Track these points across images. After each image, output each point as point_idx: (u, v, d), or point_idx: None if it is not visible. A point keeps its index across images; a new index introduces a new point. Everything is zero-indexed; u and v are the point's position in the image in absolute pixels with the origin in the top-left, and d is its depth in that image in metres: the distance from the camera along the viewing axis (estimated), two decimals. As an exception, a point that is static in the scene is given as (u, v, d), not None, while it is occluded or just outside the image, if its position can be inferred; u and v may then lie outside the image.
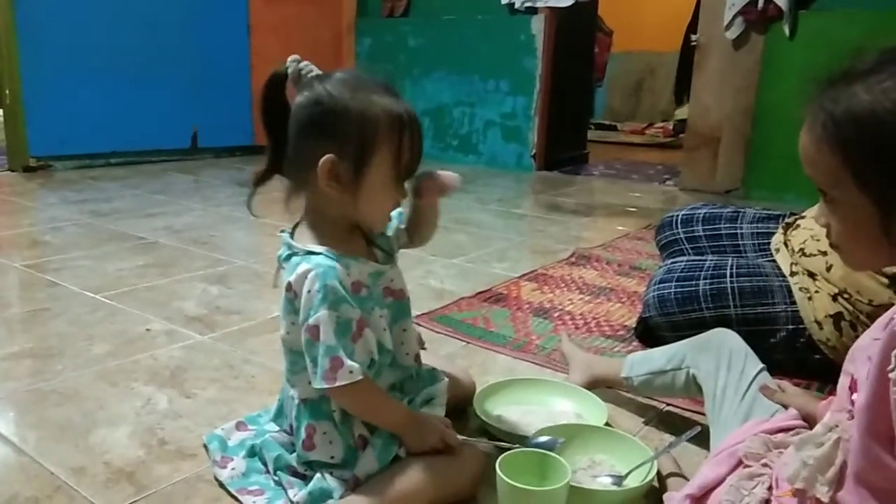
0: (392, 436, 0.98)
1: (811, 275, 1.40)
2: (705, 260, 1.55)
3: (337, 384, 0.90)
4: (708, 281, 1.48)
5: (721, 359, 1.11)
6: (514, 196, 3.77)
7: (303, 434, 0.99)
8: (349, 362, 0.90)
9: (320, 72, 0.95)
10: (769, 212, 1.73)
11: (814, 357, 1.40)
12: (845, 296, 1.34)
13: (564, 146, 4.81)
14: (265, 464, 1.03)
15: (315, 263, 0.92)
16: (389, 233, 1.08)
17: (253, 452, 1.06)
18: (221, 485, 1.01)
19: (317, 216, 0.99)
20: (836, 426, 0.70)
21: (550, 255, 2.43)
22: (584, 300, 1.94)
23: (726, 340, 1.12)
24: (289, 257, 0.97)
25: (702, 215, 1.76)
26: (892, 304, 0.75)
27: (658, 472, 1.02)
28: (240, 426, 1.14)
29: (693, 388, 1.15)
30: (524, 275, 2.17)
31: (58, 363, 1.43)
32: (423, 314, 1.77)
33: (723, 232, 1.71)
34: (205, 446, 1.10)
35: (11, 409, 1.26)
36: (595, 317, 1.81)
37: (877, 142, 0.64)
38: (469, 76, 4.67)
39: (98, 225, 2.66)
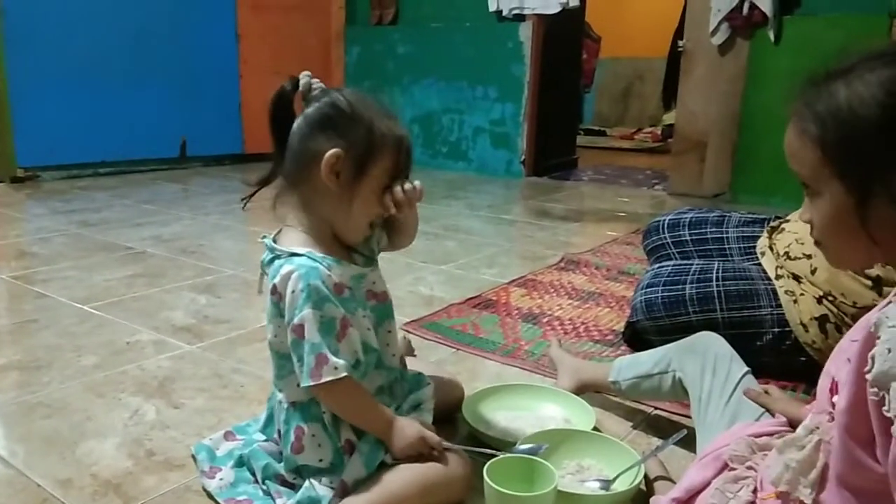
0: (379, 441, 0.98)
1: (796, 278, 1.42)
2: (692, 264, 1.57)
3: (322, 380, 0.91)
4: (694, 285, 1.49)
5: (706, 362, 1.12)
6: (503, 202, 3.78)
7: (292, 437, 0.99)
8: (333, 359, 0.92)
9: (325, 88, 1.00)
10: (755, 216, 1.75)
11: (800, 359, 1.41)
12: (830, 298, 1.36)
13: (553, 152, 4.83)
14: (253, 473, 1.03)
15: (298, 264, 0.94)
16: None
17: (241, 462, 1.05)
18: (210, 495, 1.01)
19: (304, 216, 1.00)
20: (817, 428, 0.71)
21: (539, 261, 2.44)
22: (573, 305, 1.95)
23: (711, 344, 1.13)
24: (272, 261, 0.98)
25: (688, 220, 1.77)
26: (876, 306, 0.76)
27: (645, 476, 1.03)
28: (228, 436, 1.14)
29: (680, 392, 1.16)
30: (513, 281, 2.17)
31: (45, 375, 1.42)
32: (412, 321, 1.77)
33: (709, 236, 1.72)
34: (193, 457, 1.09)
35: (-2, 421, 1.26)
36: (584, 322, 1.81)
37: (853, 133, 0.65)
38: (458, 83, 4.69)
39: (86, 235, 2.65)
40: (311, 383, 0.92)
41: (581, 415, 1.23)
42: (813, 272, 1.38)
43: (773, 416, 0.96)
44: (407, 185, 1.00)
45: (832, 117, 0.66)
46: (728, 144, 3.72)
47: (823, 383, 0.75)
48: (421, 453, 0.98)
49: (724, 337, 1.17)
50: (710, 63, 3.69)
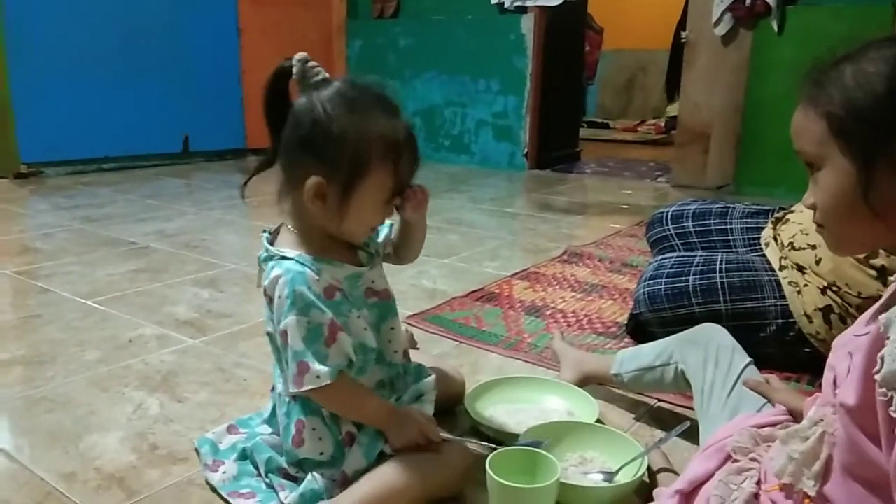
0: (378, 432, 0.98)
1: (800, 269, 1.41)
2: (695, 256, 1.56)
3: (304, 388, 0.92)
4: (698, 277, 1.48)
5: (708, 354, 1.11)
6: (506, 195, 3.77)
7: (292, 430, 0.99)
8: (316, 367, 0.91)
9: (326, 74, 0.95)
10: (759, 207, 1.74)
11: (804, 350, 1.40)
12: (834, 289, 1.35)
13: (556, 145, 4.81)
14: (256, 467, 1.03)
15: (286, 269, 0.93)
16: (379, 239, 1.10)
17: (244, 456, 1.06)
18: (213, 488, 1.01)
19: (298, 219, 0.99)
20: (821, 420, 0.71)
21: (542, 254, 2.43)
22: (576, 298, 1.94)
23: (714, 335, 1.13)
24: (266, 260, 0.98)
25: (692, 211, 1.77)
26: (881, 296, 0.75)
27: (648, 468, 1.02)
28: (231, 429, 1.14)
29: (682, 384, 1.16)
30: (516, 273, 2.17)
31: (49, 370, 1.43)
32: (415, 314, 1.77)
33: (712, 228, 1.71)
34: (196, 450, 1.10)
35: (2, 416, 1.26)
36: (587, 314, 1.81)
37: (858, 104, 0.66)
38: (460, 76, 4.67)
39: (89, 230, 2.65)
40: (294, 390, 0.92)
41: (584, 407, 1.22)
42: (818, 262, 1.37)
43: (773, 405, 0.96)
44: (410, 194, 0.98)
45: (838, 91, 0.67)
46: (731, 136, 3.71)
47: (828, 376, 0.74)
48: (419, 445, 0.98)
49: (728, 328, 1.17)
50: (714, 54, 3.67)
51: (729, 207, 1.75)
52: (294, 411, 1.00)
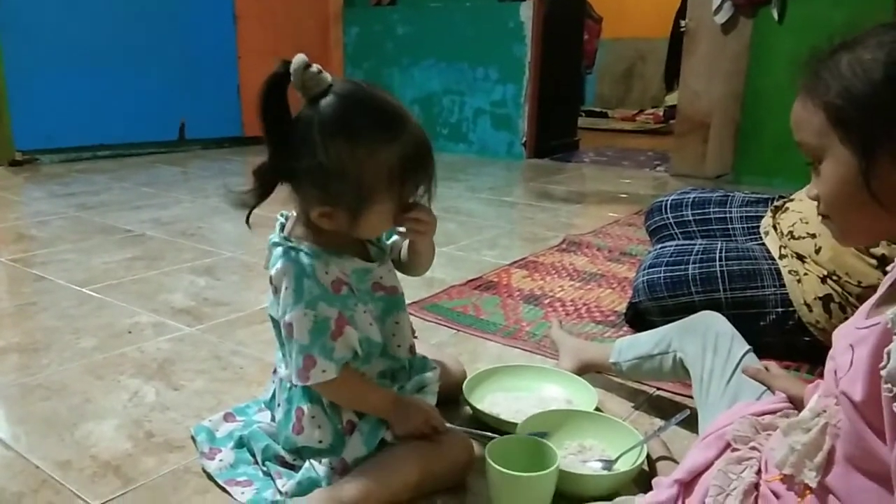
0: (379, 420, 0.98)
1: (800, 257, 1.40)
2: (694, 244, 1.55)
3: (310, 383, 0.91)
4: (697, 265, 1.48)
5: (707, 342, 1.11)
6: (504, 184, 3.76)
7: (293, 417, 0.99)
8: (322, 361, 0.90)
9: (327, 78, 0.88)
10: (758, 195, 1.73)
11: (803, 339, 1.40)
12: (834, 278, 1.34)
13: (555, 134, 4.79)
14: (253, 454, 1.03)
15: (293, 260, 0.92)
16: (388, 242, 1.09)
17: (241, 443, 1.05)
18: (209, 476, 1.01)
19: (308, 217, 0.95)
20: (824, 411, 0.70)
21: (541, 243, 2.42)
22: (575, 286, 1.94)
23: (712, 323, 1.12)
24: (276, 245, 0.96)
25: (691, 200, 1.76)
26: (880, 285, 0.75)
27: (648, 456, 1.02)
28: (228, 417, 1.13)
29: (681, 372, 1.15)
30: (514, 262, 2.16)
31: (44, 357, 1.42)
32: (413, 303, 1.76)
33: (712, 216, 1.70)
34: (192, 438, 1.09)
35: (-3, 404, 1.25)
36: (585, 303, 1.80)
37: (856, 92, 0.65)
38: (458, 64, 4.65)
39: (85, 218, 2.64)
40: (299, 384, 0.92)
41: (583, 395, 1.22)
42: (817, 251, 1.36)
43: (773, 393, 0.95)
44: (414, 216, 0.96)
45: (836, 80, 0.66)
46: (731, 125, 3.69)
47: (829, 366, 0.74)
48: (424, 434, 0.97)
49: (727, 317, 1.16)
50: (713, 43, 3.65)
51: (728, 196, 1.74)
52: (295, 398, 0.99)
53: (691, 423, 1.07)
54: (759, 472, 0.79)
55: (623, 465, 1.00)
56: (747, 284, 1.43)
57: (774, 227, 1.51)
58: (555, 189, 3.56)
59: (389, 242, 1.09)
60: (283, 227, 0.99)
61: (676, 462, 0.99)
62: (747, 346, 1.07)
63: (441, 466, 0.96)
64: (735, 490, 0.78)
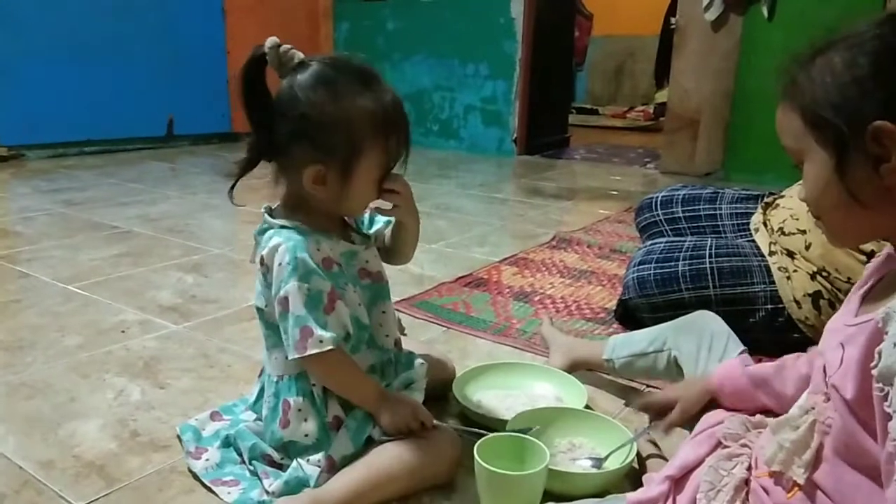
0: (366, 417, 0.97)
1: (790, 254, 1.40)
2: (685, 241, 1.55)
3: (308, 353, 0.90)
4: (687, 262, 1.47)
5: (702, 341, 1.11)
6: (495, 181, 3.75)
7: (279, 411, 0.98)
8: (319, 332, 0.90)
9: (301, 55, 0.93)
10: (748, 192, 1.73)
11: (793, 336, 1.39)
12: (824, 274, 1.34)
13: (545, 130, 4.79)
14: (240, 454, 1.01)
15: (286, 237, 0.93)
16: (372, 230, 1.09)
17: (228, 443, 1.04)
18: (195, 476, 0.99)
19: (296, 199, 0.98)
20: (812, 408, 0.70)
21: (531, 240, 2.42)
22: (565, 283, 1.93)
23: (708, 323, 1.12)
24: (263, 231, 0.97)
25: (681, 197, 1.75)
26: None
27: (638, 454, 1.01)
28: (214, 416, 1.12)
29: (674, 371, 1.15)
30: (505, 259, 2.15)
31: (28, 355, 1.40)
32: (403, 300, 1.75)
33: (702, 213, 1.70)
34: (178, 437, 1.07)
35: (-21, 403, 1.23)
36: (576, 300, 1.80)
37: (826, 94, 0.65)
38: (448, 60, 4.63)
39: (71, 214, 2.61)
40: (297, 356, 0.91)
41: (573, 393, 1.21)
42: (807, 248, 1.36)
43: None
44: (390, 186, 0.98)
45: (809, 84, 0.67)
46: (721, 122, 3.70)
47: (818, 363, 0.74)
48: (412, 429, 0.96)
49: (717, 314, 1.16)
50: (703, 40, 3.65)
51: (718, 193, 1.74)
52: (282, 391, 0.99)
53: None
54: (749, 468, 0.79)
55: (613, 463, 1.00)
56: (737, 281, 1.43)
57: (764, 224, 1.51)
58: (545, 186, 3.56)
59: (373, 231, 1.09)
60: (269, 213, 0.99)
61: (666, 459, 0.98)
62: (742, 347, 1.07)
63: (429, 465, 0.95)
64: (726, 486, 0.78)
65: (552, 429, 1.06)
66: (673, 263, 1.49)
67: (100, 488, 0.97)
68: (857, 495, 0.66)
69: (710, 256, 1.47)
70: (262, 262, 0.94)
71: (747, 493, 0.77)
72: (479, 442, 0.91)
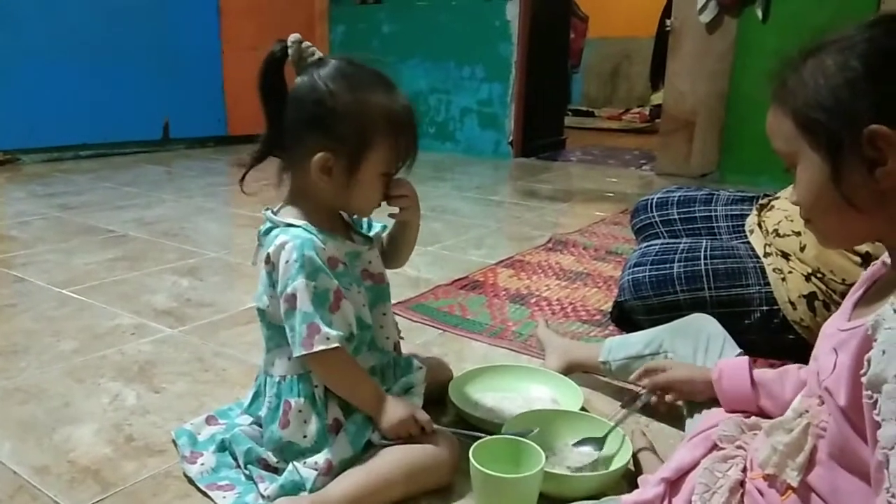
0: (366, 421, 0.97)
1: (785, 255, 1.41)
2: (680, 243, 1.55)
3: (314, 350, 0.90)
4: (682, 264, 1.48)
5: (699, 343, 1.11)
6: (491, 183, 3.76)
7: (279, 411, 0.98)
8: (326, 329, 0.91)
9: (321, 54, 0.95)
10: (743, 194, 1.73)
11: (788, 337, 1.40)
12: (818, 276, 1.35)
13: (541, 133, 4.80)
14: (236, 458, 1.01)
15: (293, 235, 0.93)
16: (371, 233, 1.09)
17: (223, 447, 1.03)
18: (190, 481, 0.99)
19: (301, 196, 0.99)
20: (807, 412, 0.70)
21: (527, 242, 2.42)
22: (561, 286, 1.93)
23: (704, 325, 1.12)
24: (268, 231, 0.97)
25: (676, 198, 1.76)
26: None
27: (633, 455, 1.01)
28: (210, 420, 1.11)
29: (670, 373, 1.15)
30: (501, 261, 2.15)
31: (22, 360, 1.39)
32: (399, 303, 1.74)
33: (697, 215, 1.71)
34: (173, 442, 1.07)
35: (-27, 408, 1.23)
36: (571, 302, 1.80)
37: (819, 97, 0.65)
38: (444, 63, 4.64)
39: (66, 219, 2.60)
40: (303, 352, 0.91)
41: (569, 395, 1.21)
42: (802, 249, 1.37)
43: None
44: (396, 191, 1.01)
45: (801, 87, 0.67)
46: (716, 124, 3.71)
47: (812, 366, 0.74)
48: (411, 433, 0.96)
49: (712, 315, 1.16)
50: (698, 42, 3.66)
51: (713, 195, 1.74)
52: (284, 391, 0.98)
53: (678, 422, 1.07)
54: (744, 470, 0.79)
55: (612, 445, 1.01)
56: (732, 283, 1.44)
57: (759, 226, 1.51)
58: (541, 188, 3.56)
59: (373, 234, 1.10)
60: (271, 216, 1.00)
61: (662, 461, 0.98)
62: (738, 350, 1.07)
63: (429, 469, 0.95)
64: (721, 488, 0.78)
65: (548, 431, 1.06)
66: (668, 265, 1.49)
67: (94, 493, 0.97)
68: (851, 499, 0.66)
69: (705, 258, 1.47)
70: (267, 260, 0.94)
71: (742, 495, 0.77)
72: (474, 445, 0.91)
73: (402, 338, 1.43)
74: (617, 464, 0.99)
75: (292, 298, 0.91)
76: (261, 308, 0.99)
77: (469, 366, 1.34)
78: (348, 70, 0.94)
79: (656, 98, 5.87)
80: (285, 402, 0.97)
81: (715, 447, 0.83)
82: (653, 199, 1.79)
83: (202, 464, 1.00)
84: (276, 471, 0.97)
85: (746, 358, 0.98)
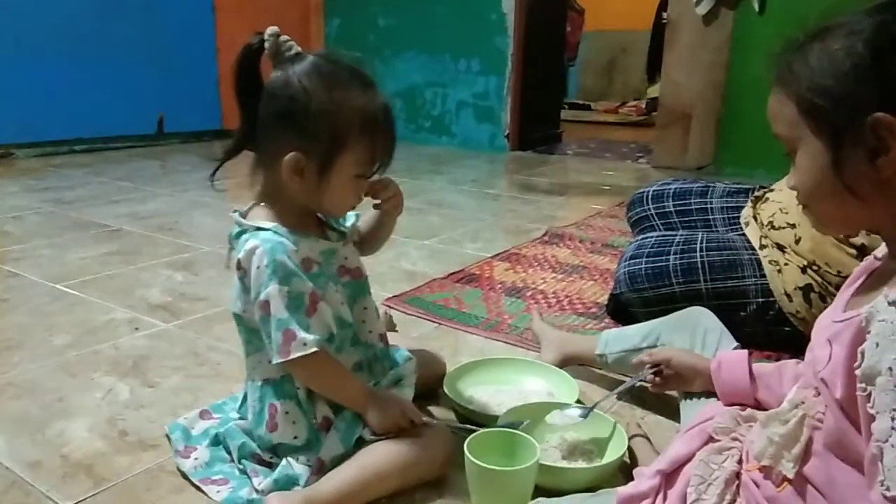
0: (356, 417, 0.96)
1: (780, 247, 1.40)
2: (676, 235, 1.55)
3: (291, 357, 0.89)
4: (678, 256, 1.47)
5: (696, 337, 1.11)
6: (487, 176, 3.75)
7: (265, 415, 0.97)
8: (302, 334, 0.89)
9: (299, 49, 0.93)
10: (739, 186, 1.73)
11: (784, 329, 1.40)
12: (814, 268, 1.34)
13: (538, 126, 4.78)
14: (229, 452, 1.01)
15: (263, 239, 0.91)
16: (348, 224, 1.08)
17: (217, 441, 1.03)
18: (184, 475, 0.98)
19: (272, 195, 0.97)
20: (802, 403, 0.70)
21: (523, 235, 2.41)
22: (557, 279, 1.93)
23: (701, 319, 1.12)
24: (239, 235, 0.95)
25: (672, 191, 1.75)
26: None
27: (629, 449, 1.01)
28: (204, 414, 1.11)
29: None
30: (497, 255, 2.15)
31: (15, 355, 1.38)
32: (394, 296, 1.74)
33: (693, 207, 1.70)
34: (167, 436, 1.07)
35: (-35, 403, 1.22)
36: (567, 295, 1.80)
37: (824, 83, 0.64)
38: (440, 56, 4.62)
39: (60, 213, 2.59)
40: (280, 360, 0.89)
41: (564, 388, 1.21)
42: (797, 241, 1.36)
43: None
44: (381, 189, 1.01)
45: (805, 71, 0.66)
46: (712, 116, 3.70)
47: (809, 358, 0.74)
48: (401, 427, 0.96)
49: (709, 308, 1.16)
50: (695, 34, 3.65)
51: (709, 187, 1.74)
52: (267, 395, 0.97)
53: (674, 414, 1.07)
54: (740, 461, 0.79)
55: (605, 435, 1.02)
56: (728, 275, 1.43)
57: (755, 218, 1.51)
58: (537, 181, 3.56)
59: (348, 225, 1.08)
60: (241, 217, 0.98)
61: (657, 452, 0.98)
62: (735, 343, 1.07)
63: (421, 463, 0.94)
64: (716, 480, 0.77)
65: (543, 424, 1.06)
66: (664, 258, 1.49)
67: (88, 488, 0.97)
68: (847, 490, 0.66)
69: (701, 250, 1.47)
70: (238, 266, 0.92)
71: (738, 487, 0.77)
72: (469, 438, 0.91)
73: (396, 330, 1.43)
74: (612, 456, 0.98)
75: (266, 305, 0.89)
76: (237, 313, 0.98)
77: (465, 359, 1.33)
78: (325, 67, 0.91)
79: (653, 91, 5.86)
80: (270, 406, 0.96)
81: (710, 439, 0.83)
82: (649, 191, 1.79)
83: (196, 458, 1.00)
84: (271, 465, 0.97)
85: (745, 351, 0.98)
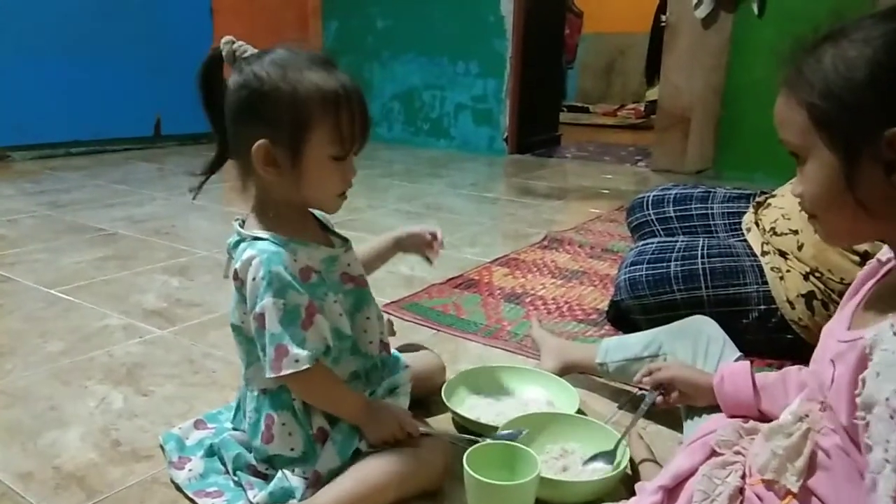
0: (353, 429, 0.94)
1: (782, 254, 1.39)
2: (676, 241, 1.53)
3: (283, 373, 0.87)
4: (679, 262, 1.46)
5: (698, 346, 1.09)
6: (486, 180, 3.73)
7: (262, 426, 0.95)
8: (294, 350, 0.87)
9: (255, 51, 0.91)
10: (740, 191, 1.72)
11: (786, 337, 1.38)
12: (817, 275, 1.33)
13: (536, 129, 4.77)
14: (224, 464, 0.99)
15: (259, 249, 0.89)
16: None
17: (212, 452, 1.01)
18: (178, 487, 0.97)
19: (264, 201, 0.95)
20: (806, 416, 0.69)
21: (522, 240, 2.40)
22: (557, 284, 1.91)
23: (704, 328, 1.11)
24: (237, 244, 0.93)
25: (672, 196, 1.74)
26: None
27: (631, 460, 1.00)
28: (198, 424, 1.09)
29: (669, 375, 1.13)
30: (496, 260, 2.13)
31: (7, 362, 1.37)
32: (392, 302, 1.72)
33: (694, 212, 1.69)
34: (161, 447, 1.05)
35: (-44, 412, 1.20)
36: (567, 301, 1.78)
37: (839, 92, 0.61)
38: (439, 58, 4.61)
39: (56, 217, 2.57)
40: (272, 375, 0.87)
41: (564, 397, 1.19)
42: (800, 248, 1.35)
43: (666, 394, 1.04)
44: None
45: (818, 78, 0.63)
46: (712, 119, 3.69)
47: (814, 368, 0.72)
48: (398, 439, 0.94)
49: (710, 315, 1.14)
50: (694, 37, 3.64)
51: (710, 192, 1.72)
52: (264, 406, 0.96)
53: (676, 426, 1.05)
54: (743, 476, 0.77)
55: (623, 454, 0.99)
56: (729, 282, 1.42)
57: (756, 224, 1.49)
58: (536, 185, 3.54)
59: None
60: (241, 225, 0.96)
61: (659, 465, 0.97)
62: (738, 353, 1.05)
63: (418, 474, 0.93)
64: (720, 495, 0.76)
65: (544, 434, 1.04)
66: (665, 264, 1.47)
67: (80, 500, 0.95)
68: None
69: (703, 257, 1.45)
70: (235, 276, 0.91)
71: (742, 502, 0.75)
72: (468, 451, 0.89)
73: (395, 334, 1.41)
74: (614, 469, 0.97)
75: (261, 318, 0.87)
76: (235, 324, 0.96)
77: (463, 366, 1.32)
78: (281, 55, 0.89)
79: (651, 94, 5.86)
80: (267, 416, 0.95)
81: (713, 453, 0.81)
82: (648, 196, 1.78)
83: (190, 469, 0.98)
84: (266, 477, 0.95)
85: (748, 362, 0.97)
